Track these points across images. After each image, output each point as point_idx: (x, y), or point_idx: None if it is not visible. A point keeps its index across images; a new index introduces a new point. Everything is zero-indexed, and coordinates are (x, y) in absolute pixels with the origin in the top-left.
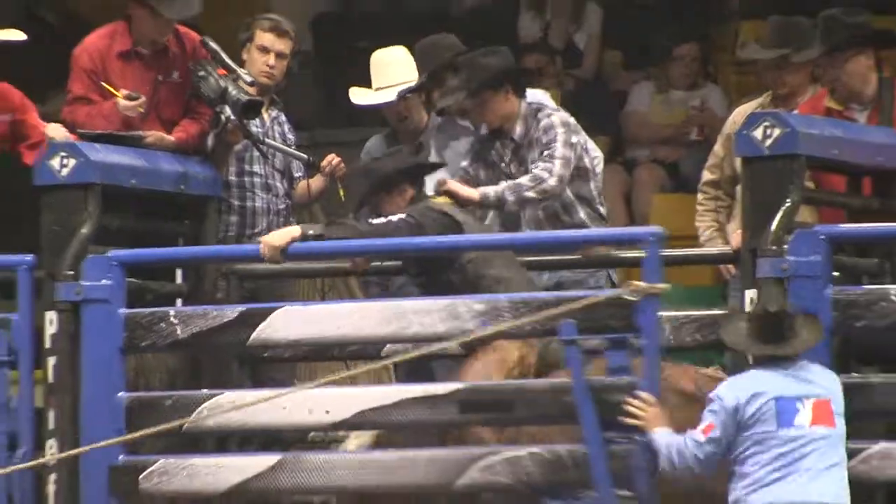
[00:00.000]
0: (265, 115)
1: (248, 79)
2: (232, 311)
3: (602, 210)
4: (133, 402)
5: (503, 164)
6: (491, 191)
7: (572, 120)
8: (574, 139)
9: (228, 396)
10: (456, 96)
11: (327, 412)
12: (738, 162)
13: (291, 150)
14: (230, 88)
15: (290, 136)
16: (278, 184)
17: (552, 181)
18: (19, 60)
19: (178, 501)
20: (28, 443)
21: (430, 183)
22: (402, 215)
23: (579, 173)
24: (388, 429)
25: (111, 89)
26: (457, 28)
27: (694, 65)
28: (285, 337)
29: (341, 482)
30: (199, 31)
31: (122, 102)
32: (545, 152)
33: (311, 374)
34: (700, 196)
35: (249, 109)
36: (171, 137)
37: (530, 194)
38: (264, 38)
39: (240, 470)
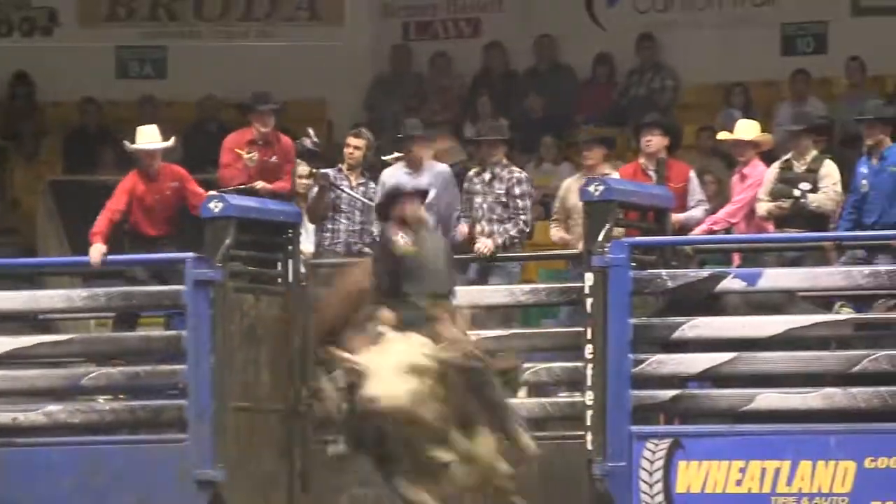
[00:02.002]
0: (353, 181)
1: (316, 140)
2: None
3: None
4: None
5: None
6: None
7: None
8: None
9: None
10: None
11: None
12: (573, 205)
13: (357, 195)
14: (307, 146)
15: (372, 196)
16: (357, 217)
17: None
18: (188, 154)
19: None
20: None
21: None
22: None
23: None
24: None
25: (239, 151)
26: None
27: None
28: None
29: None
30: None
31: (245, 156)
32: None
33: None
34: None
35: (312, 155)
36: (270, 186)
37: None
38: (348, 138)
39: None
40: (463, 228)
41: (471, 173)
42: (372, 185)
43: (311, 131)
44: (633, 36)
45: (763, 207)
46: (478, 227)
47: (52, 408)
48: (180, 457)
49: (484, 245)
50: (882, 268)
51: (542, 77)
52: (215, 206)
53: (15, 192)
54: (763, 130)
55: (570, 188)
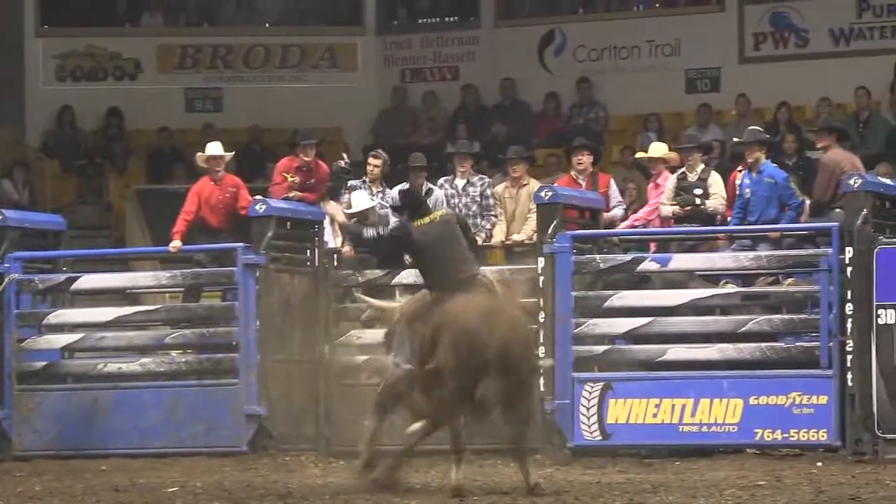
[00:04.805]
0: (374, 189)
1: (349, 162)
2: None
3: None
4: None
5: None
6: None
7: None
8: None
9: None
10: None
11: None
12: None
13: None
14: (341, 166)
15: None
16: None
17: None
18: (239, 168)
19: None
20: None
21: None
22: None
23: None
24: None
25: (286, 174)
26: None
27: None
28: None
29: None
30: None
31: (290, 179)
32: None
33: None
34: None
35: (345, 174)
36: (300, 194)
37: None
38: (369, 159)
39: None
40: None
41: (442, 180)
42: (388, 191)
43: (344, 156)
44: (574, 79)
45: (666, 210)
46: None
47: (145, 360)
48: (234, 397)
49: None
50: (762, 253)
51: (506, 110)
52: (260, 208)
53: (109, 198)
54: (670, 150)
55: (502, 195)
